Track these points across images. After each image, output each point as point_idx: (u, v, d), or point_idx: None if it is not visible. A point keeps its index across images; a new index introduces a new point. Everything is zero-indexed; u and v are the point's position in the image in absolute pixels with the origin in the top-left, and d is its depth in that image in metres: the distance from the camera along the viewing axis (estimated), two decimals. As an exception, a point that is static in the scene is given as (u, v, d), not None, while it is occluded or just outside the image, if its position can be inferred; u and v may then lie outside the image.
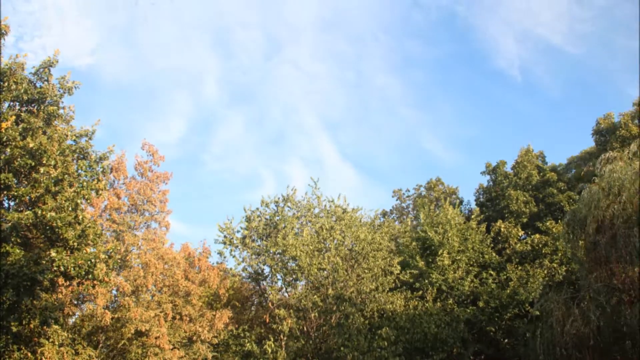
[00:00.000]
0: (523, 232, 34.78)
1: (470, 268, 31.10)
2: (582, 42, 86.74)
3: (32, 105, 17.75)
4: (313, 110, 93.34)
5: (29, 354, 18.66)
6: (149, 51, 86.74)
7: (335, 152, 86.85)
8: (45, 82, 18.06)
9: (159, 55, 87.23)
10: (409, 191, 45.86)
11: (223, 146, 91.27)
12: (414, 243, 31.99)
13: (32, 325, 18.51)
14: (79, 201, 16.57)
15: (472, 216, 33.66)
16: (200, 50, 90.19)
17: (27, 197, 16.26)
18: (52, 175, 16.33)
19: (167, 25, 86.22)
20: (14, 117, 16.60)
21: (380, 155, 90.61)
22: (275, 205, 30.14)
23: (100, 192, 18.25)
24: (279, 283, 29.21)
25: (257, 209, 30.08)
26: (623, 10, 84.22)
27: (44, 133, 17.12)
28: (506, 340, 29.88)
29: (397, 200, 46.03)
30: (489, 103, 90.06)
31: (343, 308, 26.28)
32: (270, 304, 28.07)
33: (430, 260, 30.71)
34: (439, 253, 30.22)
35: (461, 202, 40.45)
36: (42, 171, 16.13)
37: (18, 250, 16.07)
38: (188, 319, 25.52)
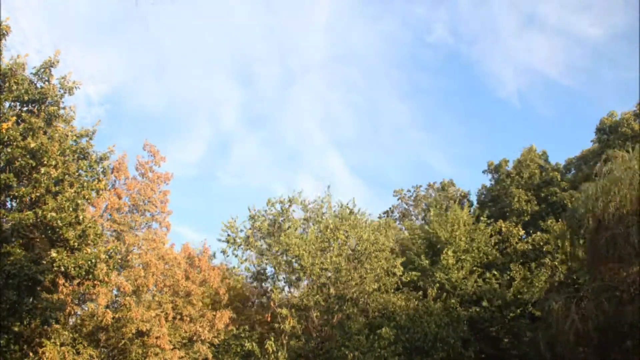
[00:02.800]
0: (524, 231, 34.70)
1: (474, 268, 31.00)
2: (576, 74, 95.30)
3: (33, 105, 17.76)
4: (325, 132, 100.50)
5: (31, 354, 18.75)
6: (173, 84, 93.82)
7: (344, 166, 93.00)
8: (46, 82, 18.10)
9: (183, 87, 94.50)
10: (409, 191, 45.87)
11: (239, 164, 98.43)
12: (419, 241, 31.85)
13: (33, 325, 18.55)
14: (79, 201, 16.62)
15: (482, 218, 33.42)
16: (221, 82, 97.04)
17: (28, 198, 16.29)
18: (53, 176, 16.37)
19: (191, 61, 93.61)
20: (14, 118, 16.66)
21: (388, 169, 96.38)
22: (280, 206, 30.05)
23: (100, 192, 18.34)
24: (282, 282, 29.20)
25: (262, 209, 30.02)
26: (614, 46, 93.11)
27: (45, 133, 17.15)
28: (506, 340, 29.82)
29: (398, 200, 46.05)
30: (492, 124, 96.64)
31: (345, 308, 26.26)
32: (272, 303, 28.04)
33: (434, 259, 30.61)
34: (444, 251, 30.08)
35: (471, 205, 40.31)
36: (42, 171, 16.15)
37: (19, 250, 16.15)
38: (188, 319, 25.53)
